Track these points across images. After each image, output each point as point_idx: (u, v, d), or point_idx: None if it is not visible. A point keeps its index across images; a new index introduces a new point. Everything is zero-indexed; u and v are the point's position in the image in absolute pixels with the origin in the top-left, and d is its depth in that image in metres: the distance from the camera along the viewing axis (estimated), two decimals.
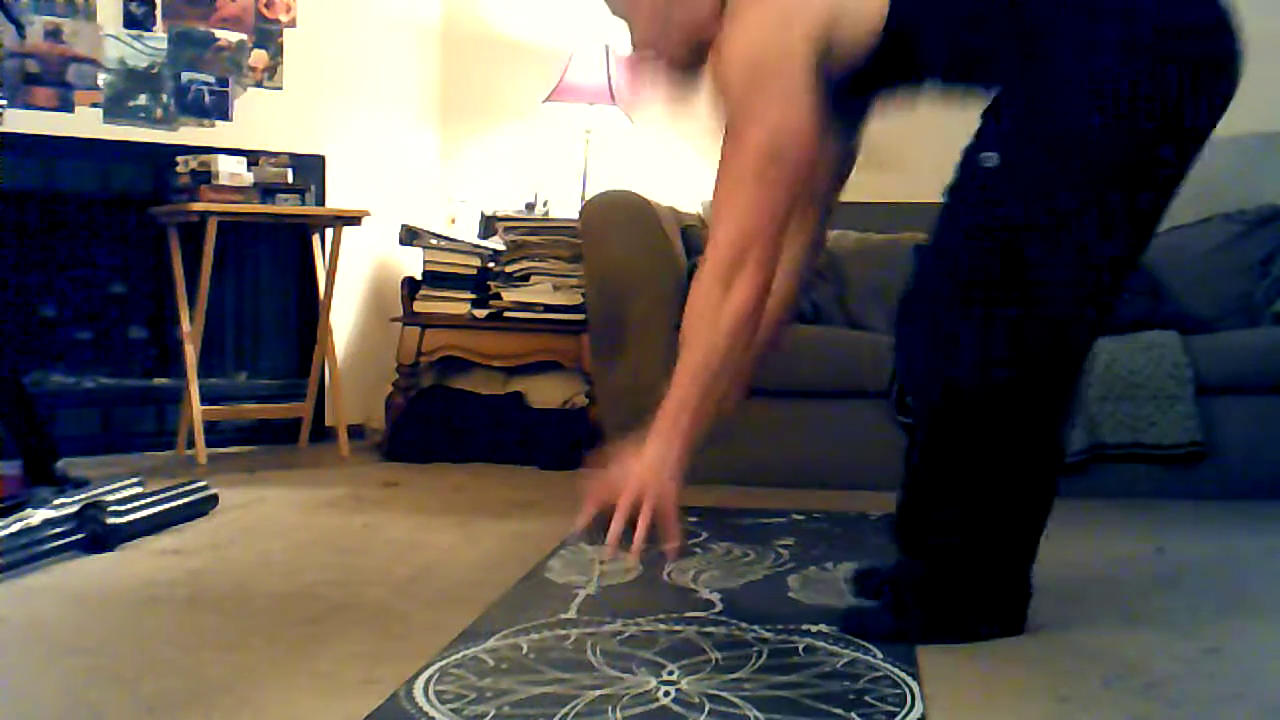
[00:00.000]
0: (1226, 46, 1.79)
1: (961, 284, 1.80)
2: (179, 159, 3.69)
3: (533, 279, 3.90)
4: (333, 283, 3.88)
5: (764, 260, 1.78)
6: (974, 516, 1.85)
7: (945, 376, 1.82)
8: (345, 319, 4.18)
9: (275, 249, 4.14)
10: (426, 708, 1.54)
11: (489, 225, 4.16)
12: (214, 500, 2.87)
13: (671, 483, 1.75)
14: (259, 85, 4.04)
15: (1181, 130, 1.78)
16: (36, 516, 2.37)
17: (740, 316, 1.78)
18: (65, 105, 3.71)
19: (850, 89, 1.91)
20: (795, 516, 2.84)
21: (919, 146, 2.89)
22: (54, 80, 3.70)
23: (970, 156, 1.82)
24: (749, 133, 1.78)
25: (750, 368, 2.20)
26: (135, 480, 2.78)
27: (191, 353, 3.64)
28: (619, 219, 3.36)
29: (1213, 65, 1.79)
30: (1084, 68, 1.76)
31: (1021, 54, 1.79)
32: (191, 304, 3.64)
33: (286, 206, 3.75)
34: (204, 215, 3.54)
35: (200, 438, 3.60)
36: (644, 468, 1.75)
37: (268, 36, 4.05)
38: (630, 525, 1.72)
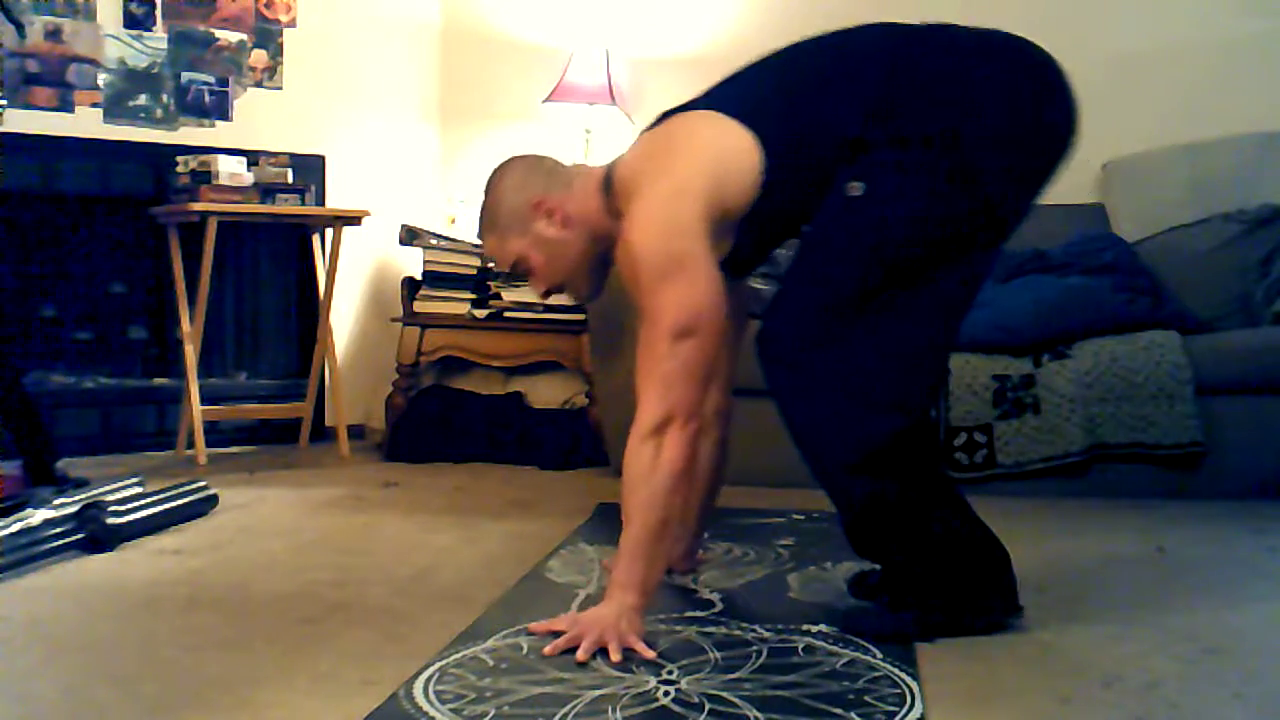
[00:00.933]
0: (1064, 153, 1.86)
1: (829, 307, 1.83)
2: (179, 159, 3.69)
3: None
4: (333, 283, 3.88)
5: (689, 415, 1.81)
6: (911, 528, 1.87)
7: (825, 434, 1.86)
8: (345, 319, 4.18)
9: (275, 249, 4.14)
10: (426, 708, 1.54)
11: None
12: (214, 500, 2.87)
13: (633, 628, 1.77)
14: (259, 85, 4.04)
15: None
16: (36, 516, 2.37)
17: (675, 471, 1.80)
18: (65, 105, 3.71)
19: (744, 235, 1.95)
20: (795, 516, 2.84)
21: None
22: (54, 80, 3.70)
23: (839, 186, 1.84)
24: (662, 314, 1.80)
25: (703, 515, 2.26)
26: (135, 480, 2.78)
27: (191, 353, 3.64)
28: None
29: (1047, 172, 1.87)
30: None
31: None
32: (191, 304, 3.64)
33: (286, 206, 3.74)
34: (204, 215, 3.54)
35: (200, 438, 3.60)
36: (604, 621, 1.77)
37: (268, 36, 4.05)
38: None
